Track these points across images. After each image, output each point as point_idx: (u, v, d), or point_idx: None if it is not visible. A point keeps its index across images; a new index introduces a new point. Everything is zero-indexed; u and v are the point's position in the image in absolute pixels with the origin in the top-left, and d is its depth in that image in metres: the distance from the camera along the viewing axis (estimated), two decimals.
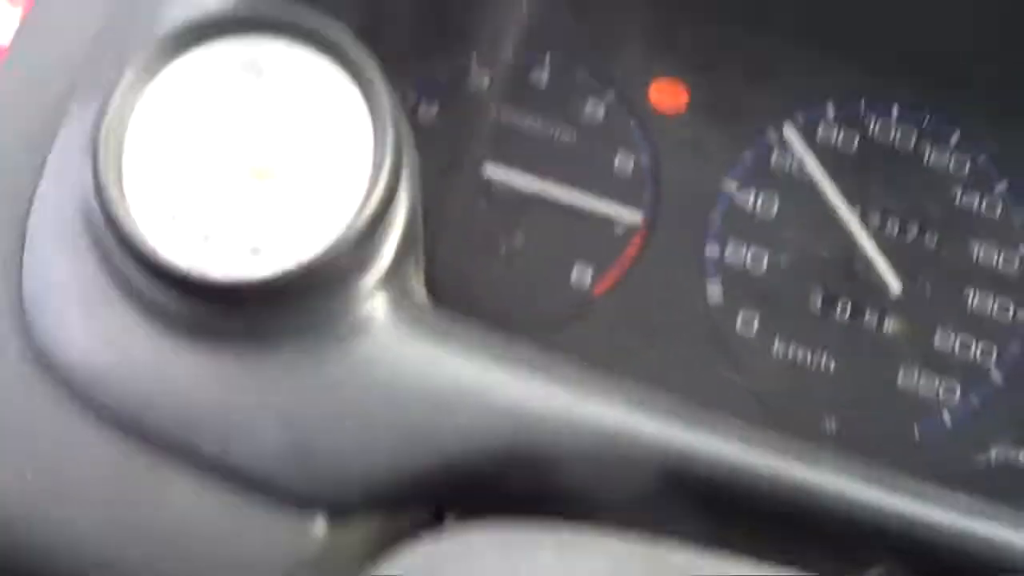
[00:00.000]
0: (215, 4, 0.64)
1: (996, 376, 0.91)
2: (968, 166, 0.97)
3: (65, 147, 0.64)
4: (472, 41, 0.97)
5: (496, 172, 0.93)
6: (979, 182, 0.96)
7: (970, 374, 0.91)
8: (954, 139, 0.97)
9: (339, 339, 0.60)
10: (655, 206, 0.93)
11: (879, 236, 0.93)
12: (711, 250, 0.93)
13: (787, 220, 0.94)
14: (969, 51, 0.95)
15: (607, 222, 0.93)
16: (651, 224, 0.93)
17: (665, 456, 0.61)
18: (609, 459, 0.61)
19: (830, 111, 0.97)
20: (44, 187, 0.63)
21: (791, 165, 0.95)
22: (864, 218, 0.94)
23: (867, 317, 0.92)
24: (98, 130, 0.60)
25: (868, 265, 0.92)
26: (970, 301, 0.93)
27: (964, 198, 0.96)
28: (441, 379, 0.61)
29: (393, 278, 0.63)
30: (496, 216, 0.93)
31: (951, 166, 0.97)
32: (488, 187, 0.93)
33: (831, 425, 0.89)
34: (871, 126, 0.97)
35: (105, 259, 0.61)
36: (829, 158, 0.95)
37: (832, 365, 0.91)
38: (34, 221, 0.63)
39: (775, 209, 0.94)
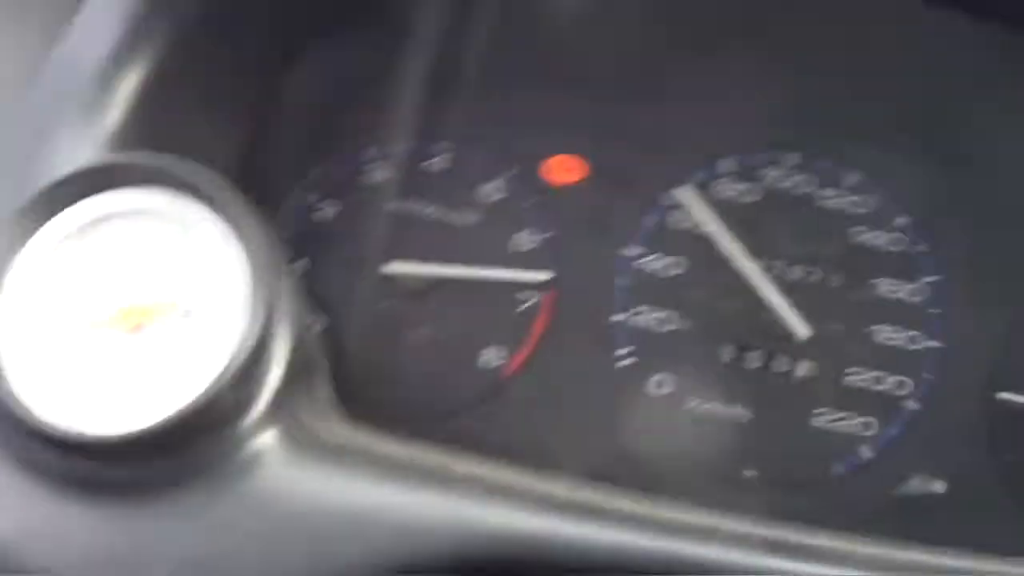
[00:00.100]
0: (82, 160, 0.72)
1: (912, 406, 1.00)
2: (867, 205, 1.07)
3: None
4: (366, 136, 1.08)
5: (398, 265, 1.03)
6: (879, 219, 1.06)
7: (885, 407, 0.99)
8: (851, 180, 1.08)
9: (229, 480, 0.67)
10: (559, 281, 1.03)
11: (783, 284, 1.02)
12: (618, 317, 1.04)
13: (692, 280, 1.03)
14: (857, 94, 1.08)
15: (513, 302, 1.02)
16: (557, 299, 1.03)
17: (558, 552, 0.68)
18: (506, 559, 0.68)
19: (725, 167, 1.09)
20: None
21: (691, 225, 1.08)
22: (767, 268, 1.03)
23: (778, 364, 1.02)
24: None
25: (774, 314, 1.03)
26: (878, 336, 1.04)
27: (866, 237, 1.07)
28: (335, 507, 0.67)
29: (281, 410, 0.70)
30: (401, 308, 1.01)
31: (850, 207, 1.07)
32: (391, 280, 1.02)
33: (751, 473, 1.02)
34: (766, 177, 1.08)
35: None
36: (728, 213, 1.04)
37: (747, 415, 1.02)
38: None
39: (679, 270, 1.04)
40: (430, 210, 1.04)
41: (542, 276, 1.02)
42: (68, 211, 0.72)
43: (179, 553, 0.67)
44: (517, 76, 1.06)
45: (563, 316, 1.01)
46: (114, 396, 0.69)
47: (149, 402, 0.68)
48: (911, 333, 1.02)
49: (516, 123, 1.07)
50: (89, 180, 0.71)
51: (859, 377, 1.01)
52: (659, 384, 1.00)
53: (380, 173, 1.07)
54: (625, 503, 0.71)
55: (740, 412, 1.00)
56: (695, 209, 1.01)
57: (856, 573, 0.68)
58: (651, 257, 1.04)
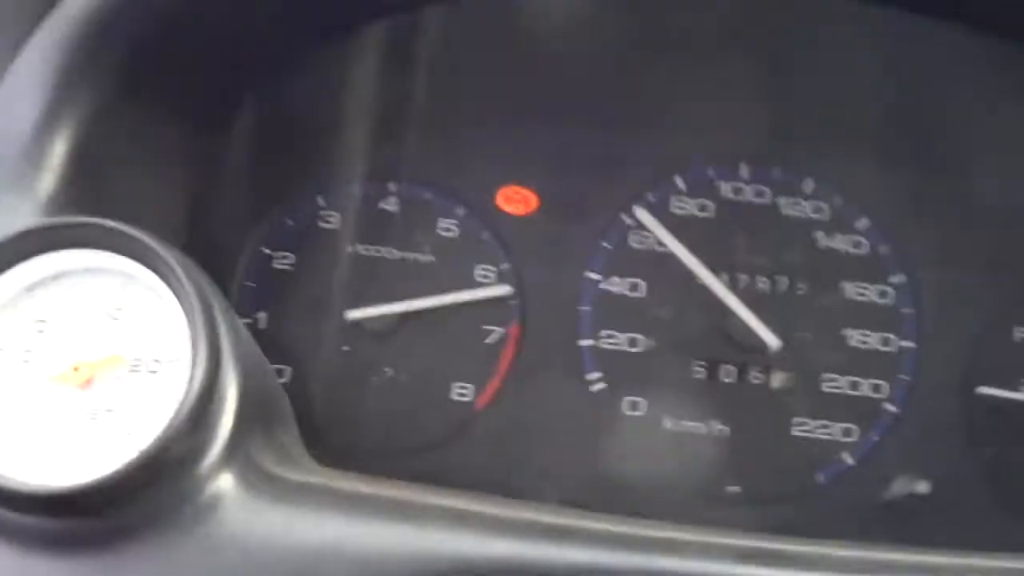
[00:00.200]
0: (19, 223, 0.73)
1: (890, 409, 1.00)
2: (826, 210, 1.08)
3: None
4: (315, 183, 1.09)
5: (361, 308, 1.03)
6: (840, 223, 1.07)
7: (864, 411, 1.00)
8: (808, 187, 1.10)
9: (188, 525, 0.68)
10: (523, 310, 1.04)
11: (749, 295, 1.02)
12: (586, 342, 1.04)
13: (656, 298, 1.04)
14: (806, 100, 1.08)
15: (479, 335, 1.03)
16: (522, 329, 1.04)
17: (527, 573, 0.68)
18: None
19: (680, 184, 1.11)
20: None
21: (651, 244, 1.09)
22: (732, 281, 1.03)
23: (752, 377, 1.03)
24: None
25: (743, 327, 1.03)
26: (851, 340, 1.05)
27: (827, 241, 1.08)
28: (295, 547, 0.68)
29: (236, 454, 0.70)
30: (367, 350, 1.02)
31: (809, 213, 1.09)
32: (355, 323, 1.03)
33: (734, 489, 1.01)
34: (723, 190, 1.09)
35: None
36: (687, 230, 1.05)
37: (725, 430, 1.01)
38: None
39: (642, 290, 1.06)
40: (388, 251, 1.03)
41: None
42: (10, 273, 0.73)
43: None
44: (464, 112, 1.08)
45: (530, 345, 1.02)
46: (68, 450, 0.70)
47: (104, 454, 0.68)
48: (884, 335, 1.03)
49: (465, 158, 1.08)
50: (26, 244, 0.73)
51: (835, 383, 1.02)
52: (633, 406, 1.00)
53: (335, 219, 1.07)
54: (598, 524, 0.71)
55: (718, 428, 1.00)
56: (653, 228, 1.01)
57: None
58: (613, 280, 1.04)
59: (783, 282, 1.04)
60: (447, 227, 1.06)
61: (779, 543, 0.68)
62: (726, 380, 1.00)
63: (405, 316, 1.02)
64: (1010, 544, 0.71)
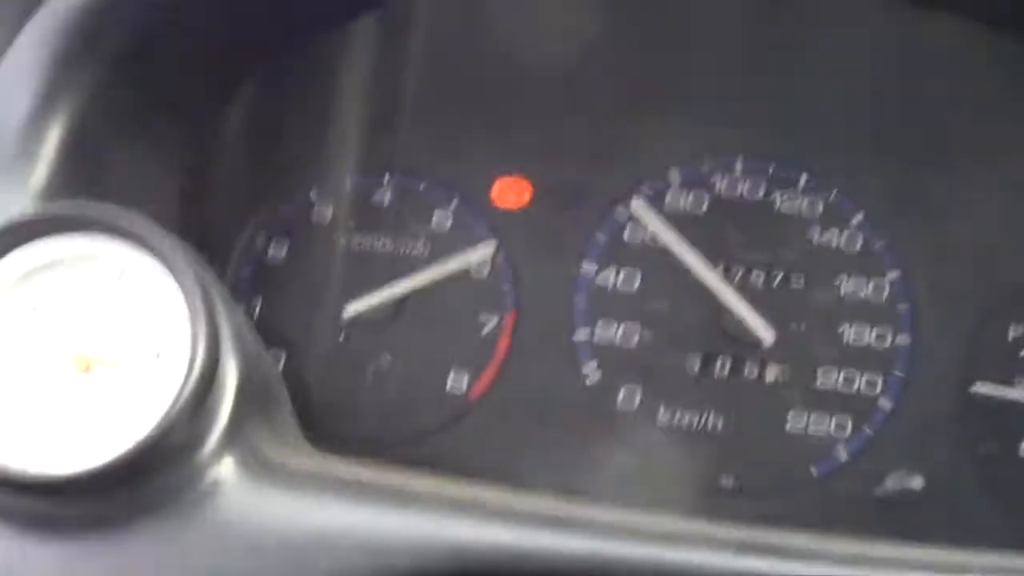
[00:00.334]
0: (15, 211, 0.74)
1: (885, 404, 1.02)
2: (821, 205, 1.10)
3: None
4: (310, 176, 1.10)
5: (356, 302, 1.05)
6: (834, 219, 1.08)
7: (859, 407, 1.01)
8: (802, 181, 1.12)
9: (188, 510, 0.69)
10: (518, 301, 1.06)
11: (744, 289, 1.04)
12: (581, 334, 1.05)
13: (651, 291, 1.05)
14: (800, 95, 1.10)
15: (474, 325, 1.05)
16: (517, 320, 1.06)
17: (523, 564, 0.69)
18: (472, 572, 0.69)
19: (675, 177, 1.12)
20: None
21: (645, 237, 1.11)
22: (727, 274, 1.05)
23: (746, 371, 1.04)
24: None
25: (738, 320, 1.05)
26: (846, 335, 1.06)
27: (822, 237, 1.09)
28: (295, 532, 0.69)
29: (236, 440, 0.72)
30: (362, 340, 1.04)
31: (804, 208, 1.10)
32: (348, 312, 1.05)
33: (728, 481, 1.03)
34: (717, 184, 1.11)
35: None
36: (682, 223, 1.06)
37: (720, 423, 1.03)
38: None
39: (637, 283, 1.08)
40: (382, 242, 1.05)
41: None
42: (7, 260, 0.74)
43: None
44: (458, 104, 1.10)
45: (525, 337, 1.04)
46: (69, 436, 0.71)
47: (104, 439, 0.69)
48: (878, 330, 1.04)
49: (460, 150, 1.10)
50: (23, 230, 0.74)
51: (830, 378, 1.04)
52: (627, 398, 1.02)
53: (328, 209, 1.09)
54: (598, 513, 0.73)
55: (713, 421, 1.02)
56: (649, 221, 1.02)
57: (830, 570, 0.69)
58: (608, 272, 1.06)
59: (778, 276, 1.05)
60: (441, 219, 1.07)
61: (776, 535, 0.70)
62: (721, 374, 1.02)
63: (400, 306, 1.04)
64: (1002, 541, 0.72)
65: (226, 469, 0.71)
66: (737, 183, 1.09)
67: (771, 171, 1.09)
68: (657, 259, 1.06)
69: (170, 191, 0.95)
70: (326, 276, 1.05)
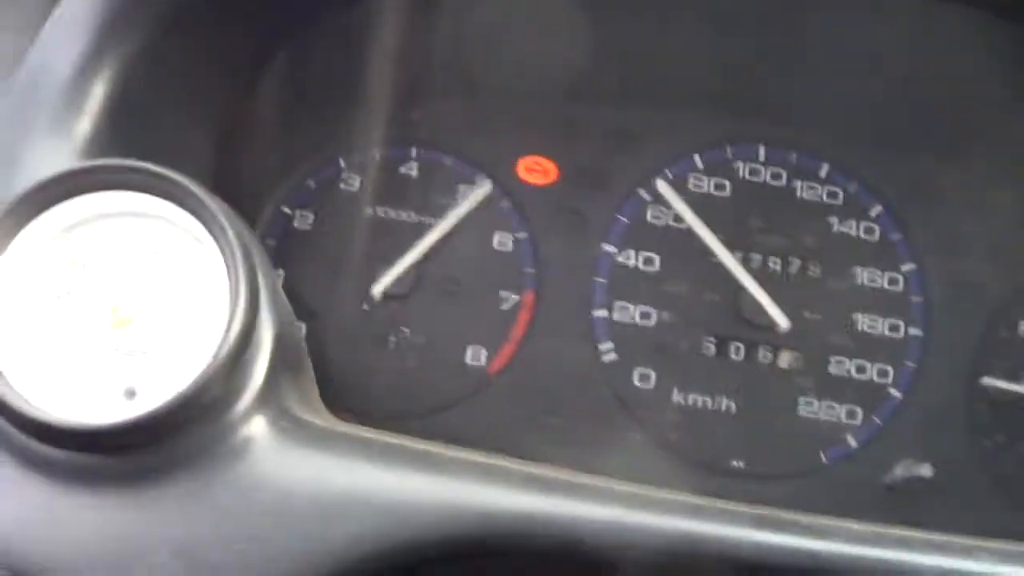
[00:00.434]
0: (58, 165, 0.75)
1: (895, 394, 1.06)
2: (841, 195, 1.13)
3: None
4: (338, 145, 1.13)
5: (377, 273, 1.08)
6: (853, 209, 1.11)
7: (869, 395, 1.05)
8: (823, 171, 1.15)
9: (221, 465, 0.71)
10: (539, 279, 1.08)
11: (762, 275, 1.07)
12: (600, 313, 1.08)
13: (670, 273, 1.09)
14: (823, 85, 1.13)
15: (495, 301, 1.08)
16: (537, 297, 1.09)
17: (549, 531, 0.71)
18: (499, 538, 0.72)
19: (698, 162, 1.15)
20: None
21: (667, 220, 1.14)
22: (745, 260, 1.09)
23: (760, 356, 1.07)
24: None
25: (755, 305, 1.08)
26: (860, 325, 1.10)
27: (840, 227, 1.12)
28: (324, 491, 0.71)
29: (268, 399, 0.74)
30: (383, 311, 1.07)
31: (824, 198, 1.14)
32: (372, 284, 1.08)
33: (739, 463, 1.06)
34: (740, 170, 1.14)
35: None
36: (704, 207, 1.09)
37: (732, 406, 1.06)
38: None
39: (657, 265, 1.11)
40: (407, 215, 1.07)
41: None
42: (49, 214, 0.75)
43: (175, 538, 0.70)
44: (487, 81, 1.12)
45: (545, 314, 1.07)
46: (106, 389, 0.72)
47: (141, 393, 0.72)
48: (892, 321, 1.07)
49: (488, 127, 1.12)
50: (66, 184, 0.75)
51: (842, 366, 1.06)
52: (643, 377, 1.04)
53: (355, 181, 1.11)
54: (621, 486, 0.75)
55: (725, 403, 1.05)
56: (673, 203, 1.05)
57: (845, 546, 0.71)
58: (629, 253, 1.09)
59: (796, 264, 1.08)
60: (466, 194, 1.10)
61: (792, 514, 0.71)
62: (735, 357, 1.05)
63: (422, 278, 1.06)
64: (1007, 531, 0.74)
65: (258, 427, 0.73)
66: (759, 170, 1.12)
67: (793, 160, 1.12)
68: (677, 242, 1.09)
69: (204, 154, 0.97)
70: (351, 247, 1.07)
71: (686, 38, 1.09)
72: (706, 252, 1.08)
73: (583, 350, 1.05)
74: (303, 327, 1.03)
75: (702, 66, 1.10)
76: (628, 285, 1.08)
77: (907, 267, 1.08)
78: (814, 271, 1.07)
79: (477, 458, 0.74)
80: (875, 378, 1.03)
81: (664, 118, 1.12)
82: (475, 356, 1.05)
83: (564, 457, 0.85)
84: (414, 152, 1.12)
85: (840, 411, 1.02)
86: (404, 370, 1.04)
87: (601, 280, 1.07)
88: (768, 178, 1.11)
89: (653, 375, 1.04)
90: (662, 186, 1.08)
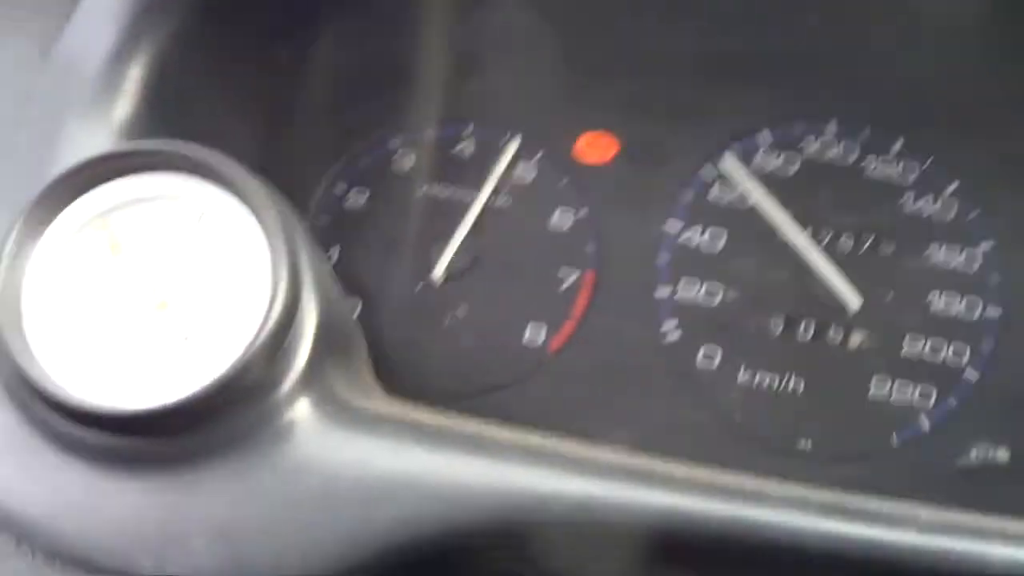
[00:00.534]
0: (93, 149, 0.76)
1: (971, 375, 1.02)
2: (915, 172, 1.10)
3: None
4: (391, 124, 1.12)
5: (432, 251, 1.08)
6: (928, 186, 1.08)
7: (944, 377, 1.02)
8: (896, 147, 1.11)
9: (264, 449, 0.71)
10: (600, 257, 1.07)
11: (832, 253, 1.05)
12: (662, 291, 1.06)
13: (736, 251, 1.07)
14: (894, 59, 1.12)
15: (554, 280, 1.07)
16: (598, 276, 1.07)
17: (604, 514, 0.70)
18: (549, 523, 0.71)
19: (766, 138, 1.12)
20: None
21: (732, 197, 1.12)
22: (815, 237, 1.06)
23: (830, 335, 1.04)
24: None
25: (824, 284, 1.06)
26: (935, 304, 1.06)
27: (915, 204, 1.09)
28: (369, 474, 0.71)
29: (312, 381, 0.74)
30: (440, 290, 1.06)
31: (898, 174, 1.11)
32: (429, 263, 1.07)
33: (806, 445, 1.04)
34: (810, 146, 1.12)
35: (23, 407, 0.71)
36: (771, 184, 1.08)
37: (800, 386, 1.03)
38: None
39: (722, 243, 1.08)
40: (464, 193, 1.07)
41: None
42: (87, 197, 0.76)
43: (217, 522, 0.70)
44: (543, 56, 1.11)
45: (605, 293, 1.06)
46: (145, 372, 0.73)
47: (181, 377, 0.71)
48: (968, 301, 1.04)
49: (546, 103, 1.11)
50: (104, 167, 0.76)
51: (915, 347, 1.04)
52: (707, 357, 1.03)
53: (409, 159, 1.11)
54: (674, 469, 0.74)
55: (793, 384, 1.03)
56: (740, 180, 1.04)
57: (916, 536, 0.69)
58: (692, 231, 1.08)
59: (867, 242, 1.06)
60: (524, 172, 1.10)
61: (860, 500, 0.70)
62: (804, 337, 1.03)
63: (479, 257, 1.05)
64: None
65: (302, 410, 0.73)
66: (829, 146, 1.10)
67: (865, 136, 1.10)
68: (743, 220, 1.07)
69: (251, 134, 0.97)
70: (405, 226, 1.07)
71: (754, 9, 1.07)
72: (773, 230, 1.06)
73: (645, 329, 1.04)
74: (358, 304, 1.03)
75: (771, 39, 1.09)
76: (692, 263, 1.06)
77: (985, 245, 1.05)
78: (887, 249, 1.05)
79: (529, 440, 0.73)
80: (950, 359, 1.01)
81: (729, 93, 1.10)
82: (534, 335, 1.04)
83: (625, 438, 0.84)
84: (469, 129, 1.11)
85: (913, 392, 1.00)
86: (461, 350, 1.03)
87: (663, 258, 1.06)
88: (838, 154, 1.09)
89: (718, 354, 1.03)
90: (728, 162, 1.04)
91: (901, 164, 1.09)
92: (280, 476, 0.71)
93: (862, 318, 1.04)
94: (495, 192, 1.09)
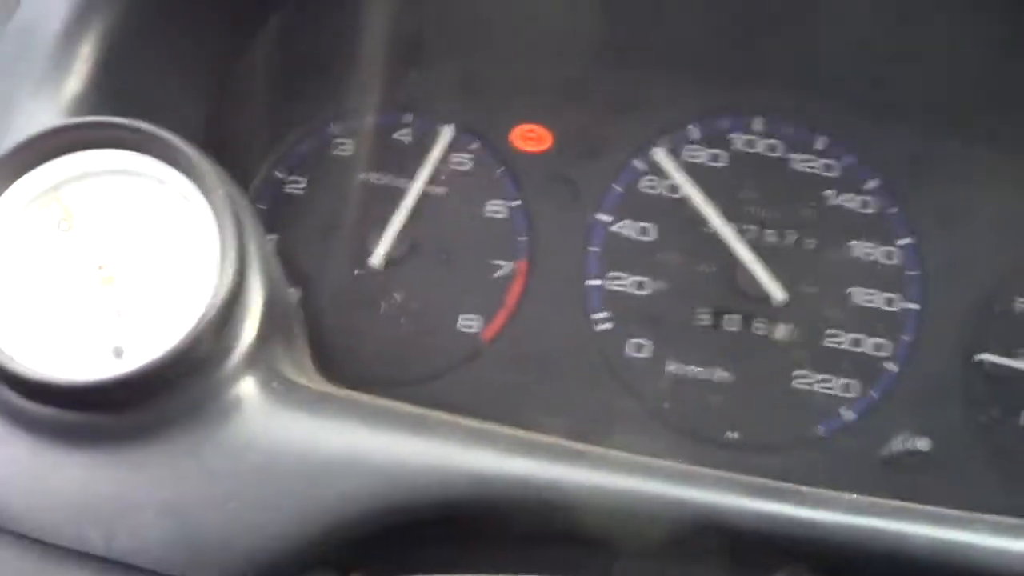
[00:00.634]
0: (45, 123, 0.76)
1: (891, 367, 1.07)
2: (837, 168, 1.14)
3: None
4: (331, 110, 1.14)
5: (369, 238, 1.09)
6: (850, 182, 1.12)
7: (866, 368, 1.06)
8: (820, 144, 1.15)
9: (210, 424, 0.72)
10: (532, 248, 1.09)
11: (758, 247, 1.09)
12: (593, 282, 1.09)
13: (666, 243, 1.10)
14: (824, 58, 1.14)
15: (489, 268, 1.09)
16: (531, 265, 1.09)
17: (539, 494, 0.72)
18: (485, 501, 0.72)
19: (695, 132, 1.16)
20: None
21: (662, 190, 1.15)
22: (741, 231, 1.10)
23: (756, 327, 1.08)
24: None
25: (750, 277, 1.08)
26: (856, 298, 1.10)
27: (837, 199, 1.13)
28: (314, 451, 0.72)
29: (258, 359, 0.74)
30: (376, 278, 1.08)
31: (820, 170, 1.14)
32: (365, 250, 1.09)
33: (733, 435, 1.07)
34: (736, 141, 1.16)
35: None
36: (699, 177, 1.11)
37: (727, 377, 1.07)
38: None
39: (652, 234, 1.12)
40: (400, 181, 1.08)
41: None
42: (36, 171, 0.76)
43: (162, 496, 0.71)
44: (480, 48, 1.13)
45: (538, 282, 1.08)
46: (93, 346, 0.73)
47: (128, 350, 0.72)
48: (888, 295, 1.08)
49: (482, 94, 1.13)
50: (54, 141, 0.76)
51: (838, 339, 1.08)
52: (637, 347, 1.06)
53: (348, 146, 1.12)
54: (611, 454, 0.75)
55: (720, 375, 1.06)
56: (669, 172, 1.06)
57: (839, 516, 0.71)
58: (624, 222, 1.10)
59: (791, 236, 1.10)
60: (460, 160, 1.11)
61: (788, 486, 0.72)
62: (730, 328, 1.06)
63: (416, 245, 1.07)
64: (1003, 506, 0.75)
65: (248, 386, 0.73)
66: (755, 141, 1.13)
67: (789, 132, 1.13)
68: (672, 212, 1.10)
69: (194, 118, 0.97)
70: (344, 212, 1.08)
71: (685, 5, 1.09)
72: (702, 222, 1.08)
73: (576, 319, 1.06)
74: (297, 292, 1.03)
75: (700, 35, 1.12)
76: (622, 254, 1.09)
77: (903, 241, 1.09)
78: (810, 244, 1.09)
79: (469, 423, 0.74)
80: (871, 351, 1.05)
81: (661, 87, 1.13)
82: (468, 323, 1.05)
83: (556, 426, 0.86)
84: (407, 119, 1.12)
85: (836, 384, 1.03)
86: (397, 337, 1.05)
87: (595, 249, 1.08)
88: (764, 150, 1.12)
89: (647, 345, 1.05)
90: (658, 155, 1.08)
91: (823, 161, 1.12)
92: (227, 452, 0.71)
93: (787, 311, 1.07)
94: (432, 180, 1.10)
